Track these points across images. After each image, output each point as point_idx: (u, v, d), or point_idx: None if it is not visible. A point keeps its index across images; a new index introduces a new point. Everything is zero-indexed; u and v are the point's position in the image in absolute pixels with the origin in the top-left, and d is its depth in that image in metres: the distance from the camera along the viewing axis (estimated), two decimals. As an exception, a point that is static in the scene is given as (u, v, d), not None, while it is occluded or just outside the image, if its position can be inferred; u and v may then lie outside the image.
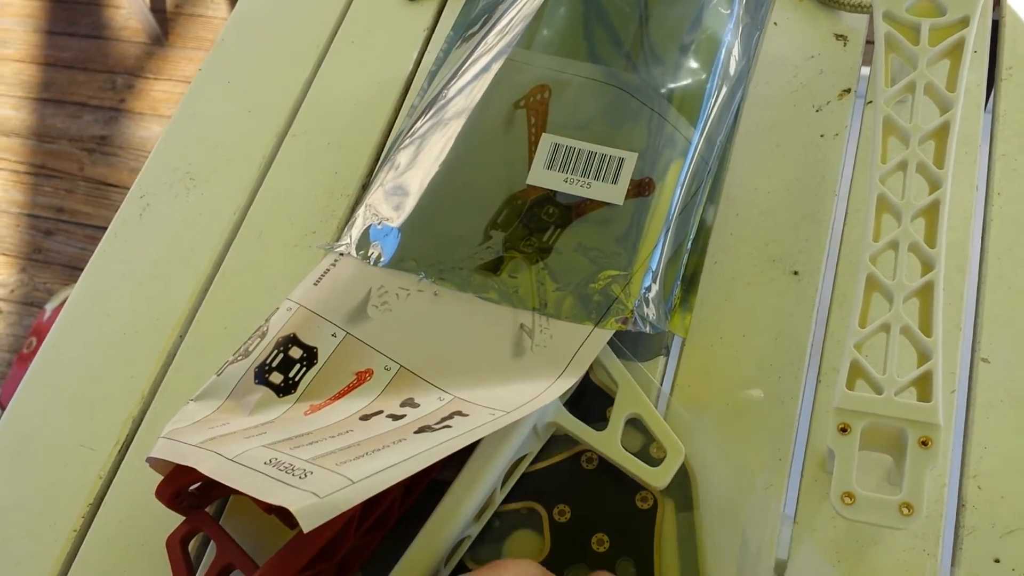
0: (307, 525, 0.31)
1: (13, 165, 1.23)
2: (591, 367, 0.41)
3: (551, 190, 0.43)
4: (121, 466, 0.43)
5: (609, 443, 0.38)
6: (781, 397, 0.40)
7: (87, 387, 0.45)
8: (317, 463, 0.34)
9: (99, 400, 0.45)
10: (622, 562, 0.37)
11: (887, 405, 0.35)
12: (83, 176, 1.20)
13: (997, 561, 0.36)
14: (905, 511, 0.33)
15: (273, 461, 0.34)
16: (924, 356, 0.36)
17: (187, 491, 0.38)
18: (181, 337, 0.46)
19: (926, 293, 0.37)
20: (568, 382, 0.38)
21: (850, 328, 0.37)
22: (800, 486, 0.39)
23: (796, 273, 0.44)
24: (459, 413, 0.37)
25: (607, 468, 0.39)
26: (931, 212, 0.39)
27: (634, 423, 0.40)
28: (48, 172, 1.22)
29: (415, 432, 0.36)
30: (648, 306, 0.40)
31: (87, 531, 0.41)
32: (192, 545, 0.39)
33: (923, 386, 0.36)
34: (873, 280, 0.38)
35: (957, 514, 0.37)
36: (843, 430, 0.35)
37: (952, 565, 0.37)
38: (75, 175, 1.20)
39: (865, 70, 0.50)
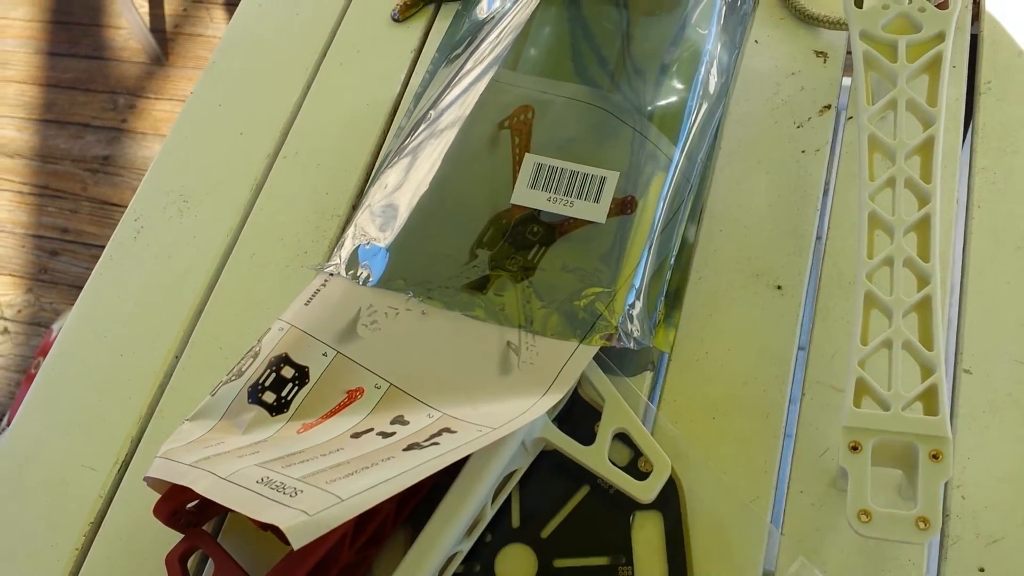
0: (297, 542, 0.31)
1: (17, 186, 1.24)
2: (579, 383, 0.42)
3: (535, 209, 0.44)
4: (121, 485, 0.44)
5: (597, 458, 0.39)
6: (766, 410, 0.41)
7: (86, 408, 0.46)
8: (308, 481, 0.35)
9: (98, 421, 0.45)
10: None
11: (896, 421, 0.35)
12: (87, 196, 1.21)
13: (982, 570, 0.36)
14: (922, 525, 0.33)
15: (265, 480, 0.35)
16: (928, 370, 0.37)
17: (185, 509, 0.39)
18: (177, 358, 0.47)
19: (924, 307, 0.38)
20: (554, 398, 0.39)
21: (852, 346, 0.37)
22: (787, 498, 0.40)
23: (779, 287, 0.44)
24: (447, 430, 0.38)
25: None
26: (922, 226, 0.40)
27: (622, 438, 0.40)
28: (52, 193, 1.23)
29: (404, 449, 0.37)
30: (632, 322, 0.41)
31: (88, 550, 0.42)
32: (191, 562, 0.40)
33: (929, 400, 0.36)
34: (871, 297, 0.39)
35: (942, 524, 0.37)
36: (854, 448, 0.35)
37: (937, 575, 0.37)
38: (79, 195, 1.21)
39: (846, 81, 0.51)
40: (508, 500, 0.40)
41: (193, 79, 1.32)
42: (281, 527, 0.32)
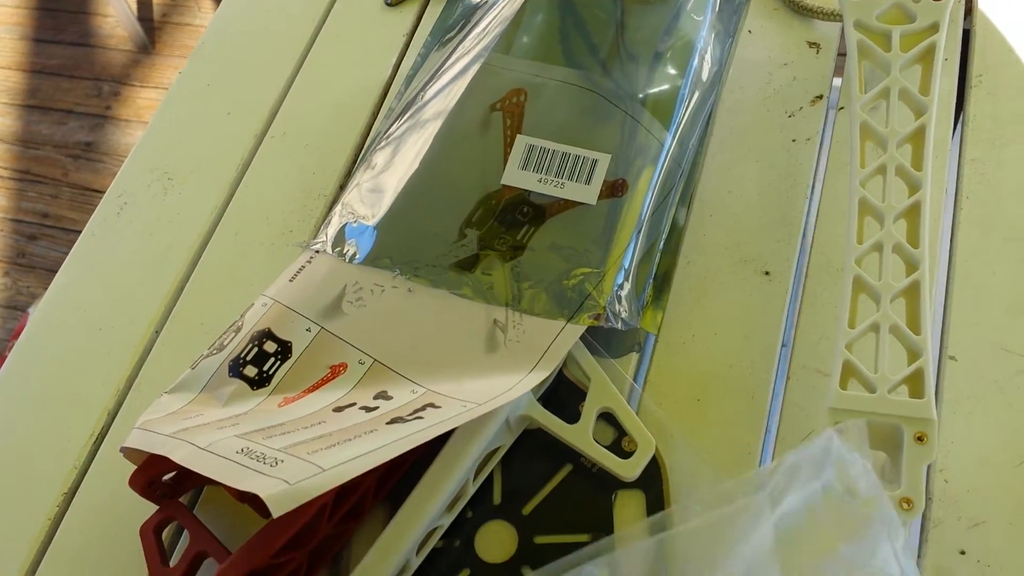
0: (276, 511, 0.31)
1: (-3, 171, 1.23)
2: (565, 363, 0.41)
3: (525, 190, 0.44)
4: (96, 457, 0.43)
5: (581, 436, 0.38)
6: (751, 392, 0.41)
7: (63, 380, 0.45)
8: (288, 452, 0.34)
9: (74, 393, 0.45)
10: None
11: (881, 403, 0.35)
12: (68, 182, 1.20)
13: (963, 553, 0.36)
14: (905, 506, 0.34)
15: (245, 450, 0.35)
16: (914, 353, 0.37)
17: (161, 480, 0.38)
18: (157, 332, 0.46)
19: (912, 292, 0.38)
20: (540, 376, 0.39)
21: (840, 329, 0.37)
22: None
23: (767, 273, 0.44)
24: (432, 405, 0.37)
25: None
26: (912, 213, 0.40)
27: (607, 418, 0.40)
28: (33, 178, 1.22)
29: (387, 423, 0.37)
30: (620, 303, 0.41)
31: (61, 519, 0.41)
32: (166, 534, 0.39)
33: (915, 383, 0.36)
34: (860, 282, 0.39)
35: (924, 507, 0.37)
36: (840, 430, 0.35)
37: (919, 557, 0.37)
38: (60, 181, 1.20)
39: (836, 81, 0.51)
40: (490, 477, 0.39)
41: (179, 68, 1.31)
42: (261, 495, 0.31)
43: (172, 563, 0.37)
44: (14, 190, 1.21)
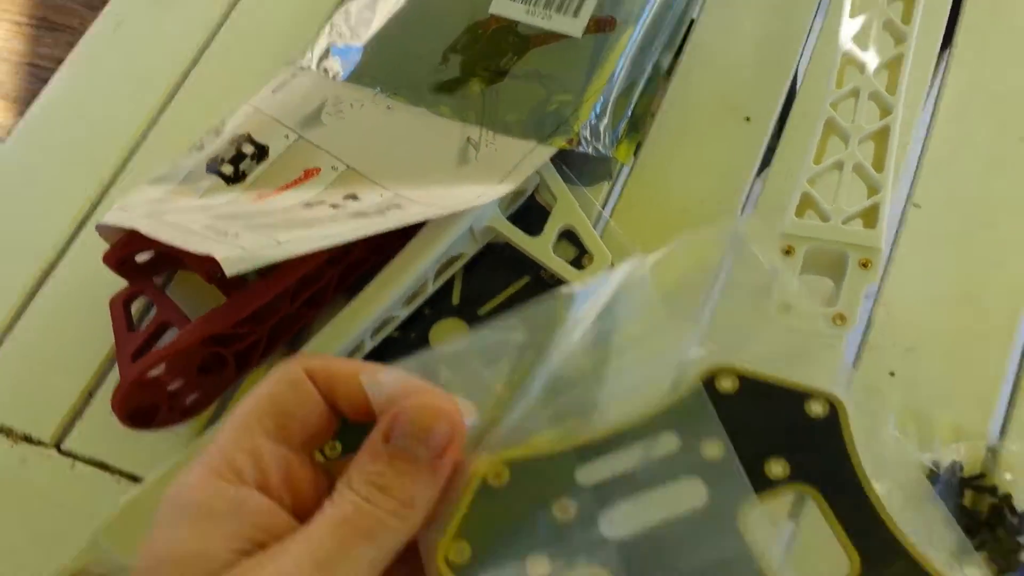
0: (229, 271, 0.32)
1: (15, 17, 1.23)
2: (536, 189, 0.42)
3: (513, 20, 0.44)
4: (75, 240, 0.45)
5: (541, 247, 0.39)
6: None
7: (50, 169, 0.47)
8: (252, 230, 0.36)
9: (60, 183, 0.46)
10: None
11: (833, 231, 0.36)
12: (84, 31, 1.20)
13: (892, 374, 0.37)
14: (839, 321, 0.35)
15: (210, 227, 0.36)
16: (873, 189, 0.37)
17: (133, 259, 0.39)
18: (144, 136, 0.48)
19: (882, 135, 0.39)
20: (506, 188, 0.39)
21: (804, 165, 0.38)
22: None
23: (748, 119, 0.44)
24: (397, 206, 0.38)
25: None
26: (895, 65, 0.40)
27: (570, 238, 0.41)
28: (49, 25, 1.22)
29: (351, 217, 0.38)
30: (595, 132, 0.41)
31: (37, 290, 0.43)
32: (136, 311, 0.41)
33: (870, 216, 0.37)
34: (832, 123, 0.39)
35: (863, 333, 0.38)
36: (787, 252, 0.36)
37: (850, 376, 0.38)
38: (76, 29, 1.20)
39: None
40: (451, 281, 0.40)
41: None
42: (216, 257, 0.33)
43: (138, 333, 0.38)
44: (31, 36, 1.21)
